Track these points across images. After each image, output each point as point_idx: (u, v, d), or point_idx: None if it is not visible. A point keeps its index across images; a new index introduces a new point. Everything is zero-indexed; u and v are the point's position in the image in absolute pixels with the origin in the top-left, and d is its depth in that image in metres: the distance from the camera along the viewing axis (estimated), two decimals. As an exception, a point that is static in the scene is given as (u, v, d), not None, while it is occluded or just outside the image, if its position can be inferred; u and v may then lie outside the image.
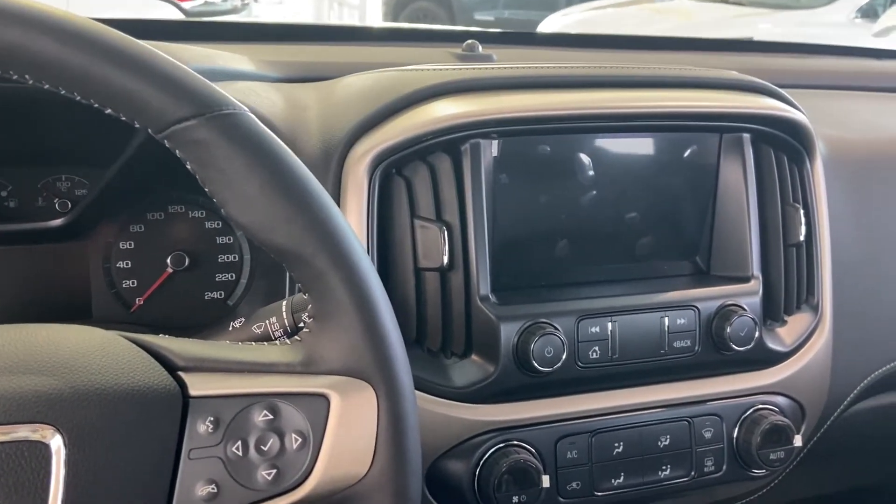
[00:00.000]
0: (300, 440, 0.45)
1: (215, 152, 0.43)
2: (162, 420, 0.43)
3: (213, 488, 0.43)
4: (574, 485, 0.75)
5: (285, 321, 0.58)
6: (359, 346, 0.46)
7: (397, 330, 0.48)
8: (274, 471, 0.44)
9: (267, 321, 0.58)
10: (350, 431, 0.46)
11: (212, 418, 0.44)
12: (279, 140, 0.46)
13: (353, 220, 0.70)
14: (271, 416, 0.45)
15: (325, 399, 0.46)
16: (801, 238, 0.84)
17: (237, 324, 0.59)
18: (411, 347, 0.73)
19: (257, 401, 0.44)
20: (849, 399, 0.93)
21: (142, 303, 0.81)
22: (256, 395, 0.44)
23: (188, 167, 0.45)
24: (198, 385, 0.44)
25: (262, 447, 0.44)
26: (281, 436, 0.45)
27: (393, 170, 0.72)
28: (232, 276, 0.84)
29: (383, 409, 0.46)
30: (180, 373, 0.44)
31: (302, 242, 0.44)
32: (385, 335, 0.47)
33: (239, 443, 0.44)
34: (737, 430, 0.80)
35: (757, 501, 1.20)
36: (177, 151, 0.44)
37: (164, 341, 0.46)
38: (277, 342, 0.55)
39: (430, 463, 0.71)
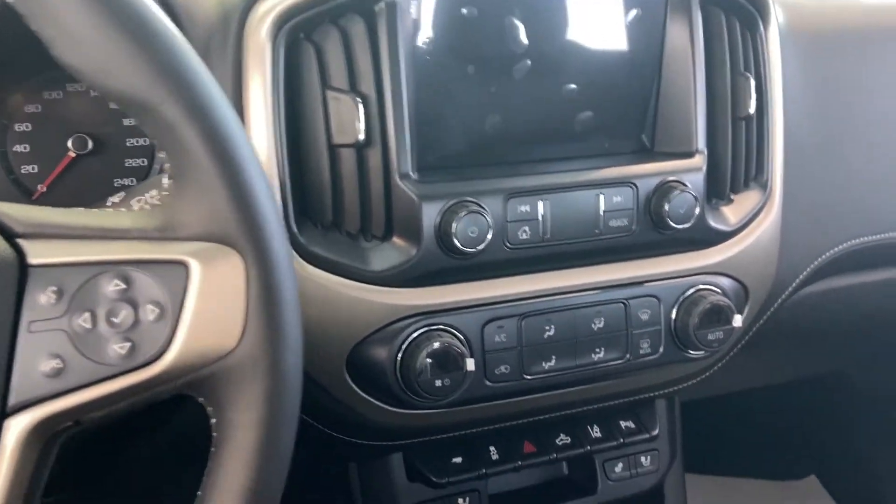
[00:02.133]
0: (157, 311, 0.41)
1: None
2: None
3: (57, 363, 0.39)
4: (503, 368, 0.72)
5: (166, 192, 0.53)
6: (222, 209, 0.41)
7: (268, 190, 0.43)
8: (128, 344, 0.41)
9: (147, 194, 0.53)
10: (214, 302, 0.42)
11: (54, 288, 0.39)
12: None
13: (256, 91, 0.64)
14: (124, 286, 0.41)
15: (184, 267, 0.42)
16: (751, 111, 0.79)
17: (116, 199, 0.54)
18: (328, 230, 0.69)
19: (106, 269, 0.40)
20: (797, 282, 0.90)
21: (44, 189, 0.76)
22: (105, 262, 0.40)
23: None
24: (38, 252, 0.40)
25: (114, 319, 0.41)
26: (135, 307, 0.41)
27: (301, 34, 0.66)
28: (143, 162, 0.78)
29: (253, 278, 0.42)
30: (19, 240, 0.40)
31: (147, 88, 0.39)
32: (252, 195, 0.42)
33: (87, 314, 0.40)
34: (675, 311, 0.77)
35: (705, 388, 1.21)
36: None
37: (2, 206, 0.41)
38: (136, 207, 0.50)
39: (351, 349, 0.69)
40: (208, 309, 0.42)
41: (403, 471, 0.82)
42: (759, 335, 0.92)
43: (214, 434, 0.43)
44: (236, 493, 0.41)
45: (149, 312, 0.41)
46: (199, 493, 0.42)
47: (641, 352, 0.77)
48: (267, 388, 0.42)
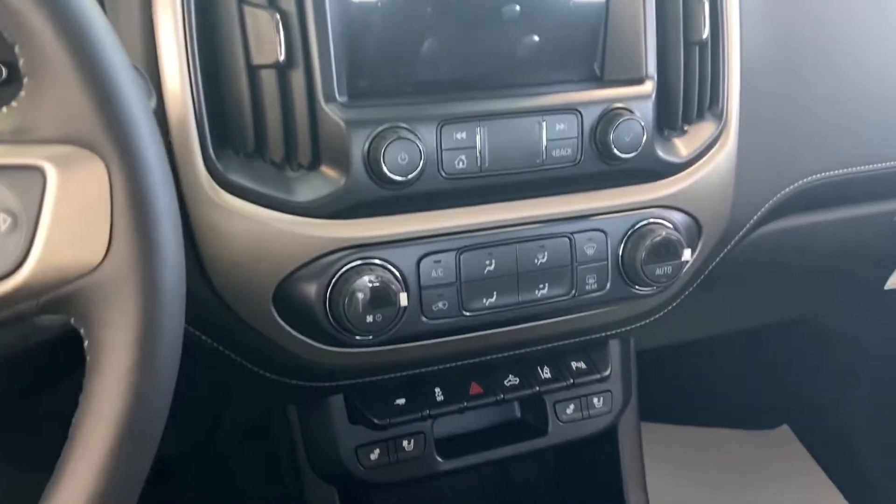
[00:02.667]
0: (10, 221, 0.38)
1: None
2: None
3: None
4: (441, 305, 0.69)
5: None
6: (79, 107, 0.38)
7: (133, 85, 0.40)
8: None
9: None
10: (74, 211, 0.38)
11: None
12: None
13: (165, 6, 0.60)
14: None
15: (39, 172, 0.38)
16: (705, 35, 0.75)
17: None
18: (251, 159, 0.65)
19: None
20: (755, 219, 0.87)
21: None
22: None
23: None
24: None
25: None
26: None
27: None
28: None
29: (118, 186, 0.38)
30: None
31: None
32: (112, 91, 0.38)
33: None
34: (622, 245, 0.74)
35: (667, 333, 1.19)
36: None
37: None
38: None
39: (277, 284, 0.66)
40: (67, 220, 0.38)
41: (345, 413, 0.79)
42: (718, 276, 0.90)
43: (88, 358, 0.40)
44: (110, 420, 0.38)
45: (2, 222, 0.38)
46: (73, 421, 0.39)
47: (587, 287, 0.74)
48: (140, 307, 0.39)
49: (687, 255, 0.75)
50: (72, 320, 0.40)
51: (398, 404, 0.79)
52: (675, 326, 1.21)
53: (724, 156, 0.79)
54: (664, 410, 1.73)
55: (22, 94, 0.38)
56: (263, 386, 0.75)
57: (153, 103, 0.56)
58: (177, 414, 0.99)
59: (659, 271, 0.74)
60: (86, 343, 0.40)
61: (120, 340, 0.38)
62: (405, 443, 0.82)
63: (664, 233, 0.74)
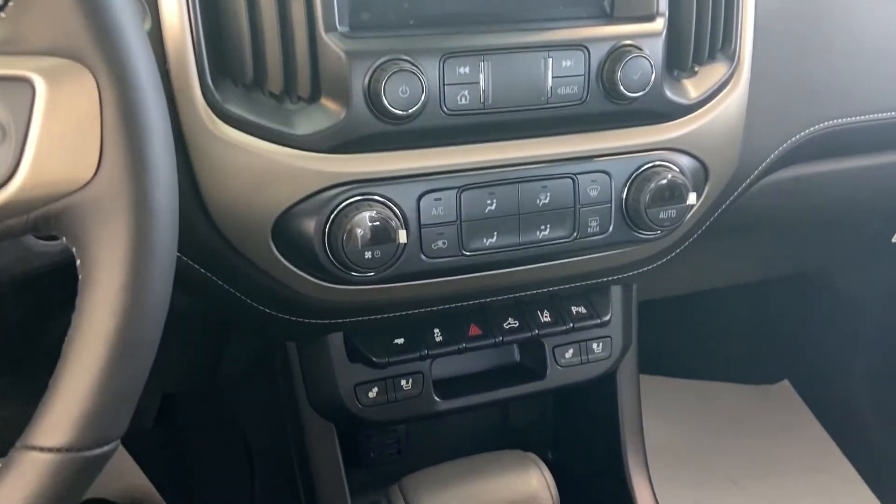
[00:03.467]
0: None
1: None
2: None
3: None
4: (440, 244, 0.69)
5: None
6: (69, 18, 0.37)
7: (126, 4, 0.38)
8: None
9: None
10: (63, 126, 0.38)
11: None
12: None
13: None
14: None
15: (28, 84, 0.37)
16: (720, -28, 0.73)
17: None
18: (250, 90, 0.64)
19: None
20: (764, 165, 0.86)
21: None
22: None
23: None
24: None
25: None
26: None
27: None
28: None
29: (108, 101, 0.38)
30: None
31: None
32: (104, 4, 0.37)
33: None
34: (626, 188, 0.73)
35: (672, 283, 1.18)
36: None
37: None
38: None
39: (276, 218, 0.65)
40: (57, 133, 0.38)
41: (344, 351, 0.80)
42: (724, 224, 0.89)
43: (80, 277, 0.39)
44: (102, 337, 0.38)
45: None
46: (66, 339, 0.39)
47: (589, 230, 0.73)
48: (131, 225, 0.38)
49: (692, 198, 0.73)
50: (63, 239, 0.40)
51: (397, 344, 0.79)
52: (679, 277, 1.20)
53: (734, 99, 0.77)
54: (664, 363, 1.73)
55: (10, 4, 0.37)
56: (263, 323, 0.75)
57: (147, 25, 0.55)
58: (181, 351, 1.00)
59: (663, 215, 0.73)
60: (78, 262, 0.40)
61: (111, 258, 0.38)
62: (403, 382, 0.82)
63: (669, 175, 0.73)
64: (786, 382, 1.78)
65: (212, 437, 1.32)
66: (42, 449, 0.38)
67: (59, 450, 0.38)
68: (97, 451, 0.39)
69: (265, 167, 0.63)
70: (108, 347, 0.38)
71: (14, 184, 0.38)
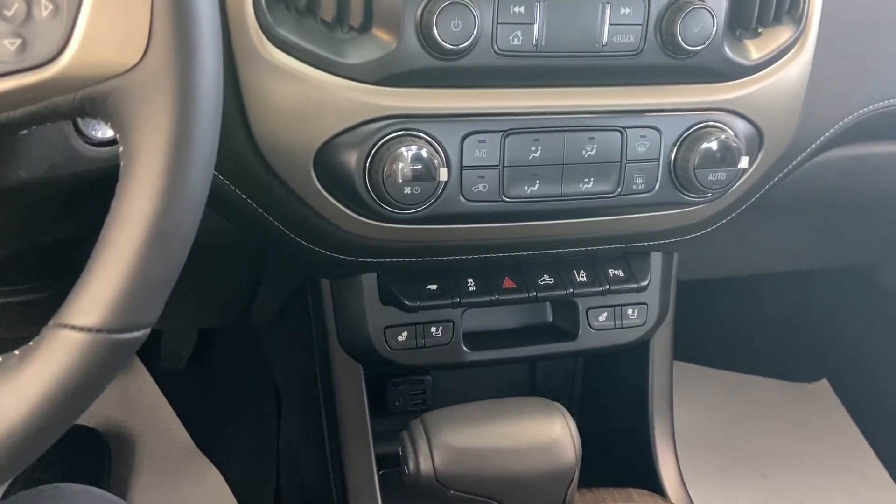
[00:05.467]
0: (51, 7, 0.38)
1: None
2: None
3: None
4: (481, 187, 0.68)
5: None
6: None
7: None
8: (18, 40, 0.38)
9: None
10: (115, 5, 0.38)
11: None
12: None
13: None
14: None
15: None
16: (794, -71, 0.70)
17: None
18: (303, 16, 0.64)
19: None
20: (823, 138, 0.82)
21: None
22: None
23: None
24: None
25: (6, 12, 0.37)
26: (28, 1, 0.37)
27: None
28: None
29: None
30: None
31: None
32: None
33: None
34: (676, 147, 0.71)
35: (708, 265, 1.15)
36: None
37: None
38: None
39: (319, 146, 0.65)
40: (108, 13, 0.38)
41: (377, 292, 0.80)
42: (774, 200, 0.86)
43: (122, 163, 0.40)
44: (139, 221, 0.38)
45: (42, 8, 0.37)
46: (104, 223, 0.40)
47: (634, 187, 0.72)
48: (174, 111, 0.39)
49: (744, 162, 0.71)
50: (108, 125, 0.40)
51: (430, 289, 0.79)
52: (720, 257, 1.17)
53: (797, 65, 0.74)
54: (698, 351, 1.70)
55: None
56: (299, 257, 0.76)
57: None
58: (217, 283, 1.01)
59: (712, 177, 0.71)
60: (120, 149, 0.40)
61: (152, 143, 0.38)
62: (433, 329, 0.82)
63: (723, 137, 0.70)
64: (824, 381, 1.74)
65: (241, 378, 1.35)
66: (74, 327, 0.38)
67: (90, 329, 0.38)
68: (127, 336, 0.39)
69: (312, 94, 0.63)
70: (145, 232, 0.39)
71: (63, 59, 0.38)
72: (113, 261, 0.38)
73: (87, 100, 0.39)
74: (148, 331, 0.41)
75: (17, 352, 0.40)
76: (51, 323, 0.39)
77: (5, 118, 0.39)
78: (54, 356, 0.38)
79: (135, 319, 0.39)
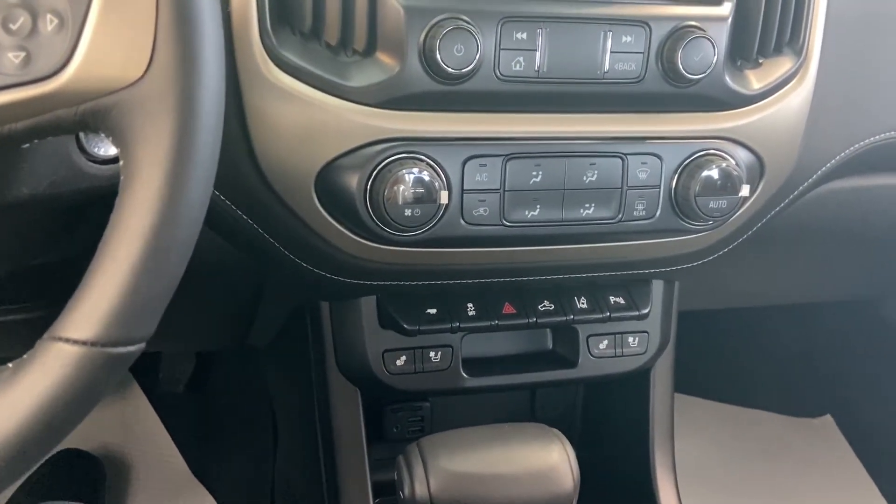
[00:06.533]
0: (56, 21, 0.38)
1: None
2: None
3: None
4: (482, 211, 0.68)
5: None
6: None
7: None
8: (22, 53, 0.38)
9: None
10: (119, 21, 0.38)
11: None
12: None
13: None
14: None
15: None
16: (793, -39, 0.71)
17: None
18: (307, 40, 0.64)
19: None
20: (824, 169, 0.82)
21: None
22: None
23: None
24: None
25: (11, 26, 0.38)
26: (34, 15, 0.38)
27: None
28: None
29: (164, 1, 0.38)
30: None
31: None
32: None
33: None
34: (677, 174, 0.71)
35: (710, 296, 1.15)
36: None
37: None
38: None
39: (320, 168, 0.65)
40: (113, 27, 0.38)
41: (376, 316, 0.79)
42: (775, 232, 0.86)
43: (122, 177, 0.40)
44: (138, 234, 0.38)
45: (48, 22, 0.38)
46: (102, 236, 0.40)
47: (635, 213, 0.72)
48: (175, 125, 0.39)
49: (745, 190, 0.71)
50: (110, 139, 0.40)
51: (429, 313, 0.79)
52: (724, 288, 1.17)
53: (798, 95, 0.75)
54: (698, 383, 1.69)
55: None
56: (299, 278, 0.76)
57: None
58: (217, 305, 1.01)
59: (713, 205, 0.71)
60: (121, 163, 0.40)
61: (153, 157, 0.38)
62: (432, 354, 0.81)
63: (723, 165, 0.71)
64: (828, 417, 1.72)
65: (239, 404, 1.33)
66: (68, 340, 0.38)
67: (84, 343, 0.38)
68: (122, 350, 0.39)
69: (315, 116, 0.64)
70: (143, 246, 0.39)
71: (67, 73, 0.39)
72: (109, 274, 0.38)
73: (89, 113, 0.39)
74: (143, 346, 0.41)
75: (10, 365, 0.40)
76: (45, 336, 0.39)
77: (8, 130, 0.39)
78: (48, 369, 0.38)
79: (130, 334, 0.39)
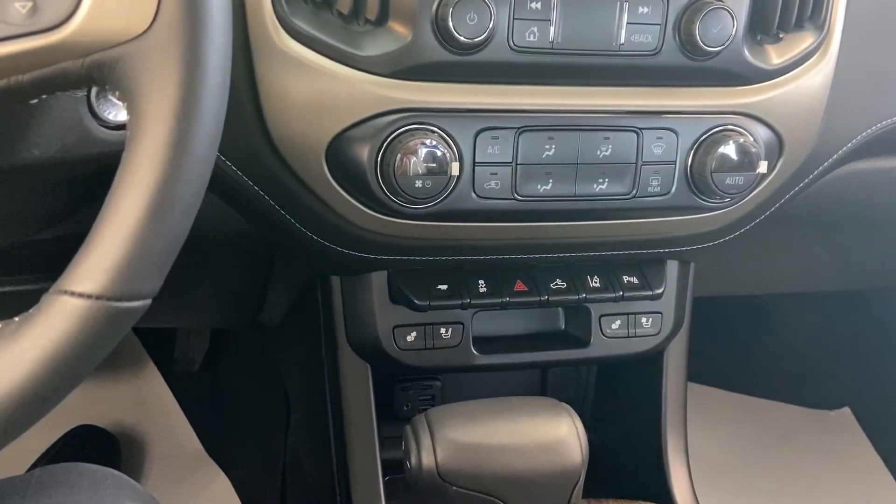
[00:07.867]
0: None
1: None
2: None
3: None
4: (493, 184, 0.67)
5: None
6: None
7: None
8: (29, 3, 0.38)
9: None
10: None
11: None
12: None
13: None
14: None
15: None
16: (817, -68, 0.69)
17: None
18: (319, 8, 0.64)
19: None
20: (845, 149, 0.80)
21: None
22: None
23: None
24: None
25: None
26: None
27: None
28: None
29: None
30: None
31: None
32: None
33: None
34: (693, 149, 0.70)
35: (727, 282, 1.13)
36: None
37: None
38: None
39: (331, 138, 0.65)
40: None
41: (387, 291, 0.79)
42: (794, 214, 0.84)
43: (128, 132, 0.40)
44: (144, 189, 0.38)
45: None
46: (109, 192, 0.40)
47: (650, 189, 0.71)
48: (181, 79, 0.38)
49: (763, 167, 0.70)
50: (116, 94, 0.40)
51: (440, 289, 0.78)
52: (740, 274, 1.15)
53: (819, 72, 0.73)
54: (719, 374, 1.67)
55: None
56: (310, 252, 0.75)
57: None
58: (229, 280, 1.01)
59: (730, 181, 0.70)
60: (128, 118, 0.40)
61: (159, 111, 0.38)
62: (443, 330, 0.81)
63: (741, 140, 0.69)
64: (846, 410, 1.69)
65: (252, 383, 1.34)
66: (73, 293, 0.38)
67: (89, 296, 0.38)
68: (127, 305, 0.39)
69: (326, 86, 0.63)
70: (149, 200, 0.38)
71: (73, 24, 0.39)
72: (115, 228, 0.38)
73: (94, 66, 0.39)
74: (148, 302, 0.41)
75: (16, 318, 0.40)
76: (51, 289, 0.39)
77: (14, 82, 0.39)
78: (53, 322, 0.38)
79: (135, 288, 0.39)
